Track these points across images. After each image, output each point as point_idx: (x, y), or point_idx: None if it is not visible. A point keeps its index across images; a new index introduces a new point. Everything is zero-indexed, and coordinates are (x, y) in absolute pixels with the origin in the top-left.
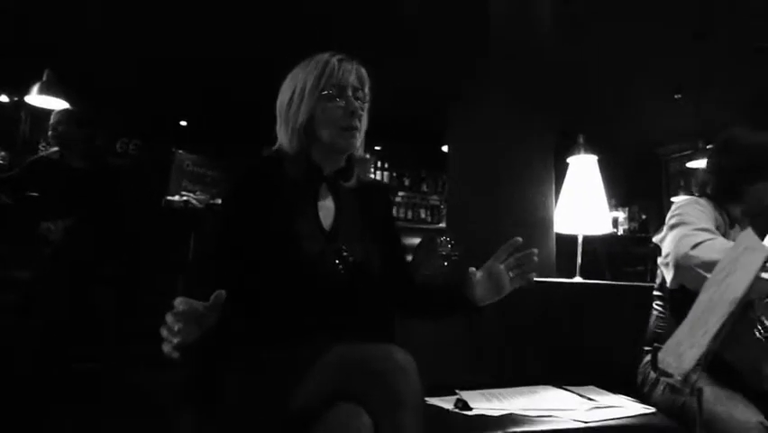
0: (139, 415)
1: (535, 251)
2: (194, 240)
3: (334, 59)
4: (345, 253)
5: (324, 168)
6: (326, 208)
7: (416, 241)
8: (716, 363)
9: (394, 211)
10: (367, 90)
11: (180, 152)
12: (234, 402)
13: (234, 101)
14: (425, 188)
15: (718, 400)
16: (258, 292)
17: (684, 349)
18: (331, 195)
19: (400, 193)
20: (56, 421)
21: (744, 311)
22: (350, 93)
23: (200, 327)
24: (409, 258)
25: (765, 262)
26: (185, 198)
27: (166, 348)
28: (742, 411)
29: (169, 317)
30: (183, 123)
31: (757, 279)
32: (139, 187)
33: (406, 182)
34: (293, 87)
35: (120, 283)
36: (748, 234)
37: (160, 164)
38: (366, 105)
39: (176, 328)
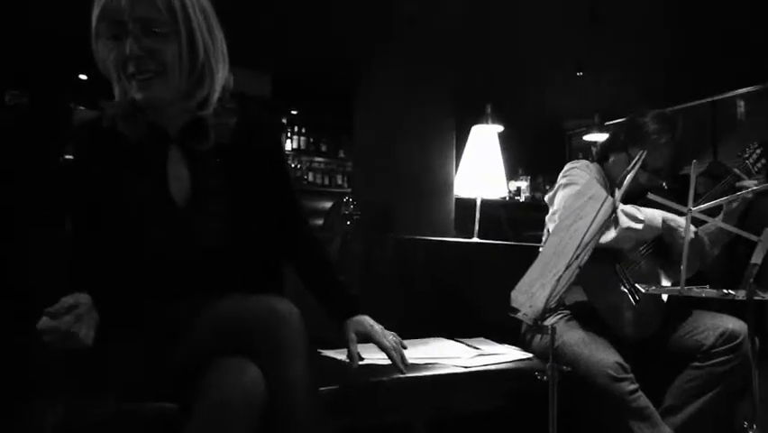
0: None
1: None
2: None
3: None
4: (201, 238)
5: (168, 126)
6: (179, 177)
7: (330, 205)
8: (583, 310)
9: (310, 176)
10: (177, 17)
11: (81, 108)
12: (109, 360)
13: None
14: (342, 154)
15: (583, 343)
16: (118, 269)
17: (536, 289)
18: (184, 160)
19: (317, 159)
20: None
21: (611, 264)
22: (133, 29)
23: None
24: (320, 222)
25: (603, 208)
26: None
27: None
28: (602, 352)
29: (68, 321)
30: (83, 76)
31: (623, 229)
32: (31, 145)
33: (323, 148)
34: None
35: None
36: (592, 185)
37: (55, 121)
38: (177, 37)
39: (81, 335)
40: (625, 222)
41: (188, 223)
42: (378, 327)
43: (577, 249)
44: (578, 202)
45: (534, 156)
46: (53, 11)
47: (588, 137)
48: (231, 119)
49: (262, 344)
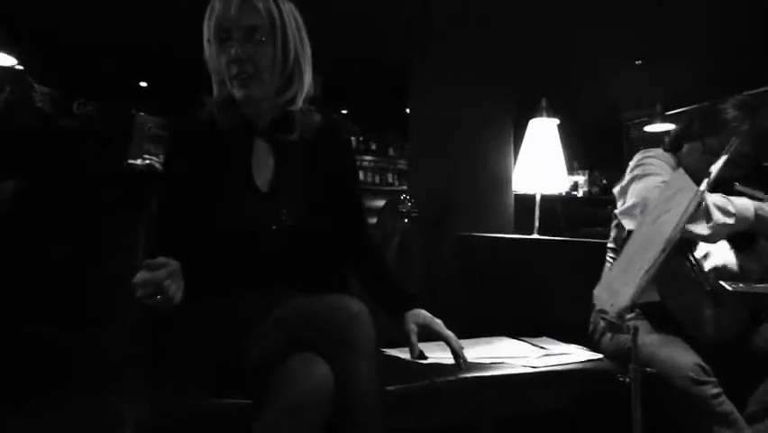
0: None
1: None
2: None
3: None
4: (284, 218)
5: (257, 120)
6: (264, 166)
7: (382, 203)
8: (654, 311)
9: (361, 174)
10: (275, 25)
11: (142, 114)
12: (186, 357)
13: (195, 60)
14: (391, 152)
15: (660, 344)
16: (200, 252)
17: (619, 286)
18: (271, 150)
19: (367, 157)
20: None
21: (685, 261)
22: (237, 35)
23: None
24: (374, 220)
25: (693, 201)
26: (147, 161)
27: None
28: (681, 354)
29: (162, 274)
30: (143, 84)
31: (718, 225)
32: (97, 149)
33: (373, 146)
34: None
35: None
36: (681, 176)
37: (119, 126)
38: (273, 42)
39: (171, 291)
40: (719, 217)
41: (270, 210)
42: (438, 321)
43: (664, 243)
44: (665, 194)
45: (591, 149)
46: (117, 25)
47: (649, 128)
48: (315, 118)
49: (333, 342)
